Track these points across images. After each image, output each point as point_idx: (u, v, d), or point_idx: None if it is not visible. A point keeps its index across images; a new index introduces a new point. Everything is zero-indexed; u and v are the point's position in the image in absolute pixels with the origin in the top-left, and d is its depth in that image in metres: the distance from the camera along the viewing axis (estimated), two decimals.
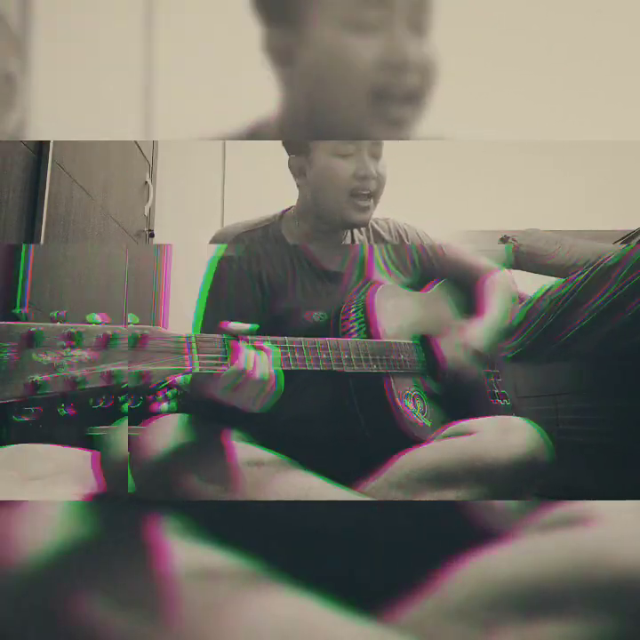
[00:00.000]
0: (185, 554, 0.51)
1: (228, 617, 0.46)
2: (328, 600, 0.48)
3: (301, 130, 0.83)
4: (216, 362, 0.67)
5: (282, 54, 0.79)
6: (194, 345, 0.65)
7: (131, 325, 0.60)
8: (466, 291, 1.22)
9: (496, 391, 1.16)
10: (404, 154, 2.43)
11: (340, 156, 0.95)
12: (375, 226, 1.16)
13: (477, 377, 1.13)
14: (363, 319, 0.94)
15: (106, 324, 0.59)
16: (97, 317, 0.59)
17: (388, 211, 1.19)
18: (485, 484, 0.80)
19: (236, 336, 0.73)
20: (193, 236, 2.61)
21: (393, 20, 0.74)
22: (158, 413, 0.64)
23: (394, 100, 0.76)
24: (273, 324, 1.01)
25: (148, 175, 2.28)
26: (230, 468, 0.77)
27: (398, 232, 1.17)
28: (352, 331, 0.93)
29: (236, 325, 0.75)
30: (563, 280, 1.61)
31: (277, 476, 0.78)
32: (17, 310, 0.55)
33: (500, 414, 1.10)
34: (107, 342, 0.58)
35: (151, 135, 1.61)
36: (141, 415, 0.76)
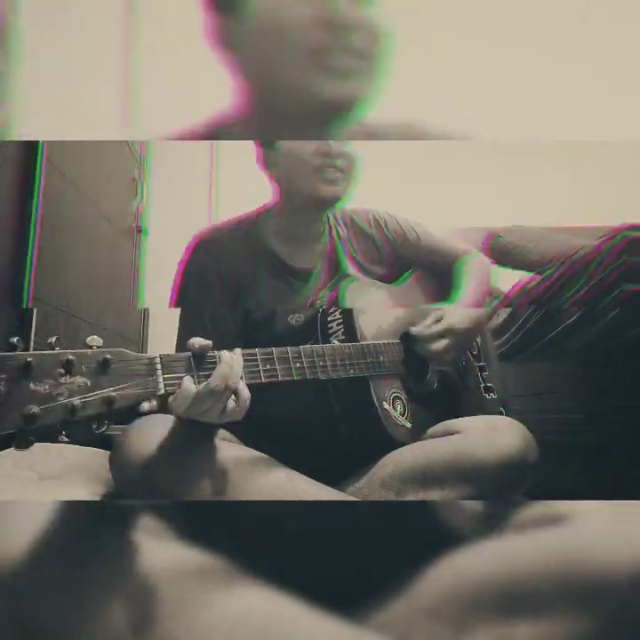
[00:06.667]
0: (162, 553, 0.51)
1: (204, 616, 0.46)
2: (304, 599, 0.48)
3: (261, 121, 0.80)
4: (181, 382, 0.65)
5: (229, 42, 0.77)
6: (159, 366, 0.62)
7: (94, 349, 0.58)
8: (440, 276, 1.18)
9: (485, 385, 1.14)
10: (395, 154, 2.43)
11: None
12: (356, 219, 1.11)
13: (462, 360, 1.11)
14: (342, 320, 0.91)
15: (98, 347, 0.58)
16: (94, 340, 0.58)
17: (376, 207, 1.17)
18: (472, 483, 0.79)
19: (201, 353, 0.67)
20: (185, 231, 2.60)
21: None
22: (139, 413, 0.63)
23: (338, 56, 0.73)
24: (248, 331, 0.99)
25: (136, 172, 2.30)
26: (214, 468, 0.75)
27: (378, 223, 1.12)
28: (337, 332, 0.90)
29: (198, 341, 0.67)
30: (540, 278, 1.62)
31: (260, 475, 0.76)
32: (13, 339, 0.54)
33: (490, 408, 1.09)
34: (104, 367, 0.57)
35: (138, 135, 1.61)
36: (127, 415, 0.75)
